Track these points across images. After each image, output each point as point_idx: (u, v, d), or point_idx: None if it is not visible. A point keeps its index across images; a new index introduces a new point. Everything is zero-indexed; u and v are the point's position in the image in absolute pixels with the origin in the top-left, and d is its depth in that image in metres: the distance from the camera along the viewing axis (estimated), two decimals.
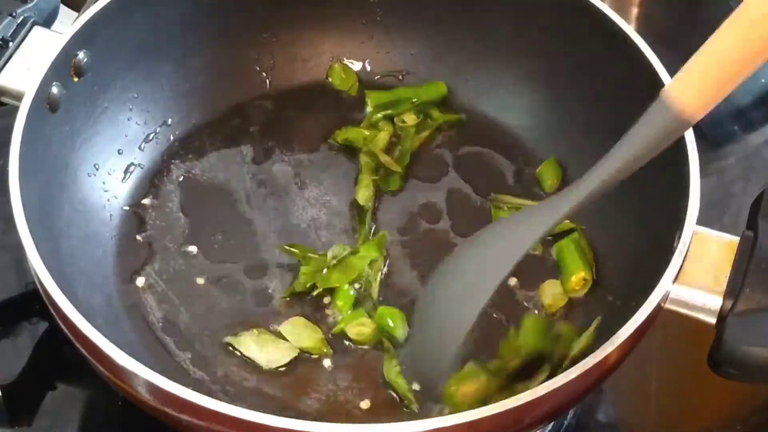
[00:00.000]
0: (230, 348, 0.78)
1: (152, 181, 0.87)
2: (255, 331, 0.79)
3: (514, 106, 0.91)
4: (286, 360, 0.78)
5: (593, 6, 0.82)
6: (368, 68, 0.95)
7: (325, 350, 0.78)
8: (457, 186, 0.89)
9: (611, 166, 0.63)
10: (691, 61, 0.60)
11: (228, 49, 0.91)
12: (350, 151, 0.90)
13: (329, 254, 0.82)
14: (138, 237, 0.84)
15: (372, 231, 0.85)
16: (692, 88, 0.60)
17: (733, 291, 0.68)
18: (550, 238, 0.83)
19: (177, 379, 0.63)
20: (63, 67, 0.78)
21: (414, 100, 0.92)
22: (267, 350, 0.78)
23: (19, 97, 0.76)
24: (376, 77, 0.94)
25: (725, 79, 0.60)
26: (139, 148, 0.88)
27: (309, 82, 0.94)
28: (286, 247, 0.83)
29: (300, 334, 0.79)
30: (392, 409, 0.76)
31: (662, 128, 0.61)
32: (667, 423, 0.83)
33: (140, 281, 0.82)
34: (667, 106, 0.60)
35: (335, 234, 0.85)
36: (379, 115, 0.91)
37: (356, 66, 0.95)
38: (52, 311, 0.68)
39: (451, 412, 0.62)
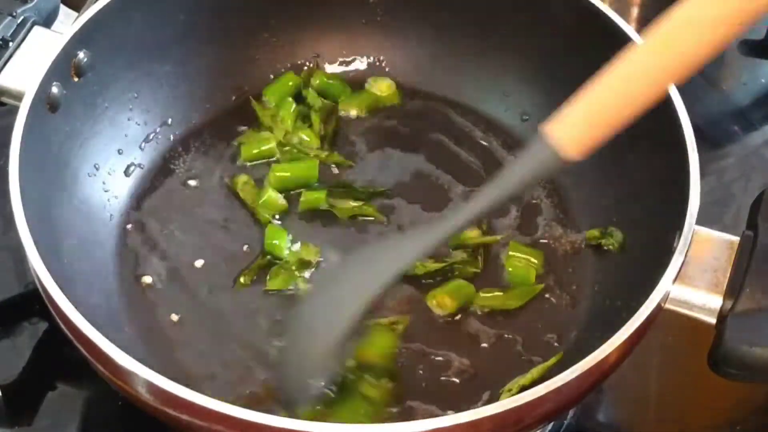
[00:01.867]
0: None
1: (152, 181, 0.87)
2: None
3: (513, 107, 0.91)
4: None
5: (594, 6, 0.82)
6: (368, 68, 0.95)
7: None
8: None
9: (488, 197, 0.68)
10: (573, 106, 0.64)
11: (228, 49, 0.91)
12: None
13: None
14: (138, 237, 0.84)
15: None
16: (570, 133, 0.64)
17: (733, 291, 0.69)
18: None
19: (177, 379, 0.63)
20: (63, 67, 0.79)
21: None
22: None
23: (19, 97, 0.76)
24: (375, 76, 0.94)
25: (602, 126, 0.64)
26: (140, 148, 0.88)
27: None
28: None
29: None
30: None
31: (541, 164, 0.66)
32: (667, 423, 0.83)
33: (140, 281, 0.82)
34: (546, 145, 0.64)
35: None
36: None
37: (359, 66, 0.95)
38: (52, 311, 0.68)
39: None
